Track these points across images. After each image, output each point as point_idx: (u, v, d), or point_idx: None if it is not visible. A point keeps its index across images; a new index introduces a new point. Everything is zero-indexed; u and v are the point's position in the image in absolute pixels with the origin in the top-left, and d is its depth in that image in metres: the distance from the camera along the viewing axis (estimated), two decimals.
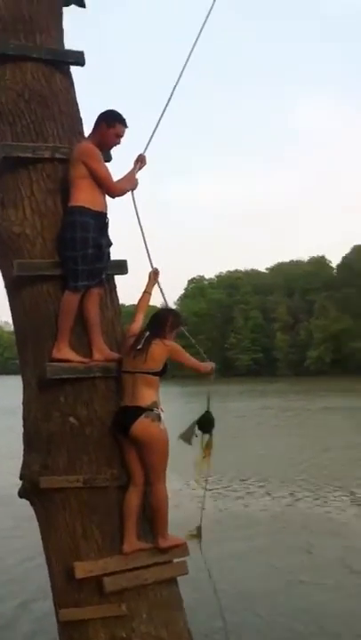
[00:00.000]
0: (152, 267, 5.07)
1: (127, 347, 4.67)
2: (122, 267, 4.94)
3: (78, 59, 4.99)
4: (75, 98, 5.03)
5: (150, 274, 5.08)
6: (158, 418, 4.56)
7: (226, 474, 15.05)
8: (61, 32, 5.08)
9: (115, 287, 4.98)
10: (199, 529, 5.00)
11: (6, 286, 4.80)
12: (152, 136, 4.99)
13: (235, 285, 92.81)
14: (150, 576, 4.54)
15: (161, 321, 4.74)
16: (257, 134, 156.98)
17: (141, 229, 5.00)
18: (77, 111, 5.04)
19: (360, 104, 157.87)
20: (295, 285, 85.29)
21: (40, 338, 4.59)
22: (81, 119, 5.04)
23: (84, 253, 4.50)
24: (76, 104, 5.04)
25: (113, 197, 4.74)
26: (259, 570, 9.09)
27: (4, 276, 4.81)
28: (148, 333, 4.65)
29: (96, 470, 4.50)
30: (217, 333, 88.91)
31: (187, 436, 4.91)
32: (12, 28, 4.76)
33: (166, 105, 5.01)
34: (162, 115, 5.00)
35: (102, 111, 4.77)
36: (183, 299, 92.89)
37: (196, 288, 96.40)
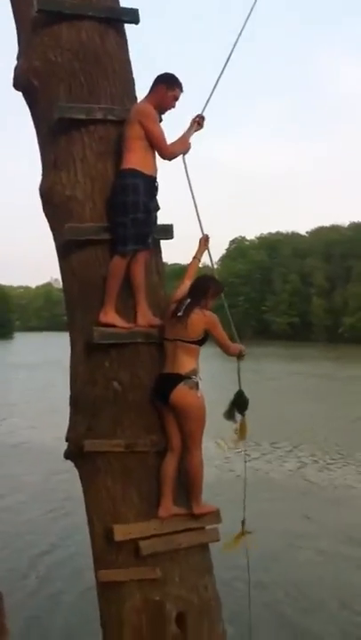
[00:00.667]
0: (202, 232, 5.02)
1: (169, 313, 4.66)
2: (168, 231, 4.90)
3: (133, 17, 4.87)
4: (128, 57, 4.95)
5: (201, 240, 5.02)
6: (196, 386, 4.57)
7: (255, 437, 15.14)
8: None
9: (160, 252, 4.95)
10: (243, 523, 5.01)
11: (57, 249, 4.80)
12: (210, 97, 4.87)
13: (275, 247, 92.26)
14: (184, 541, 4.60)
15: (202, 289, 4.70)
16: (301, 100, 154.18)
17: (192, 195, 4.93)
18: (130, 72, 4.96)
19: None
20: (334, 251, 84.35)
21: (88, 301, 4.59)
22: (133, 80, 4.97)
23: (134, 217, 4.48)
24: (130, 64, 4.95)
25: (165, 159, 4.70)
26: (258, 533, 9.34)
27: (55, 238, 4.81)
28: (188, 301, 4.62)
29: (137, 435, 4.54)
30: (256, 295, 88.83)
31: (229, 415, 4.91)
32: None
33: (224, 67, 4.86)
34: (220, 75, 4.87)
35: (161, 73, 4.72)
36: (224, 259, 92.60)
37: (238, 249, 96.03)
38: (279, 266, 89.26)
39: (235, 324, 5.10)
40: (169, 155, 4.68)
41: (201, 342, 4.64)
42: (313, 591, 7.67)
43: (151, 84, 4.72)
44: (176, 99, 4.74)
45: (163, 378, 4.58)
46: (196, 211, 4.95)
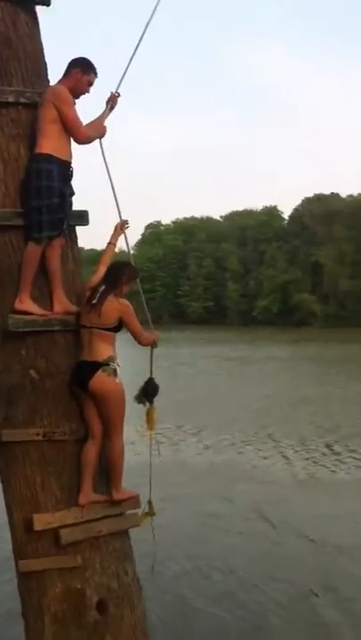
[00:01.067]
0: (120, 217, 4.98)
1: (85, 300, 4.62)
2: (83, 217, 4.86)
3: None
4: (40, 40, 4.84)
5: (117, 225, 4.98)
6: (114, 373, 4.56)
7: (163, 420, 15.33)
8: None
9: (76, 238, 4.90)
10: (150, 504, 5.02)
11: None
12: (123, 75, 4.83)
13: (190, 232, 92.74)
14: (104, 528, 4.61)
15: (116, 275, 4.66)
16: (211, 77, 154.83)
17: (110, 178, 4.89)
18: (42, 54, 4.85)
19: (329, 60, 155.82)
20: (247, 235, 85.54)
21: (2, 289, 4.51)
22: (46, 62, 4.87)
23: (48, 203, 4.41)
24: (42, 46, 4.85)
25: (80, 144, 4.64)
26: (181, 514, 9.65)
27: None
28: (103, 288, 4.59)
29: (55, 424, 4.51)
30: (171, 280, 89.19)
31: (139, 400, 4.90)
32: None
33: (137, 46, 4.83)
34: (132, 56, 4.82)
35: (75, 57, 4.66)
36: (140, 244, 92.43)
37: (153, 234, 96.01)
38: (194, 250, 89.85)
39: (153, 309, 5.09)
40: (84, 139, 4.63)
41: (116, 329, 4.63)
42: (218, 571, 7.91)
43: (65, 67, 4.64)
44: (91, 84, 4.69)
45: (81, 365, 4.55)
46: (114, 195, 4.91)
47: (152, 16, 4.86)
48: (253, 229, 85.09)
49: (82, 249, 5.08)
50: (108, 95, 4.85)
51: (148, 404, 4.92)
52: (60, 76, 4.67)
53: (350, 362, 33.27)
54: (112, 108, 4.83)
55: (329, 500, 10.66)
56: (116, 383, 4.56)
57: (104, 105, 4.84)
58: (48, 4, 4.81)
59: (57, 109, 4.45)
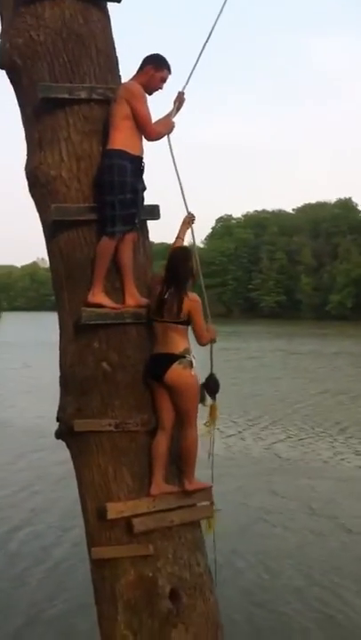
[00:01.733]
0: (187, 211, 5.01)
1: (154, 295, 4.65)
2: (154, 212, 4.90)
3: None
4: (111, 36, 4.91)
5: (185, 219, 5.01)
6: (190, 364, 4.59)
7: (223, 413, 15.35)
8: None
9: (147, 233, 4.95)
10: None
11: (43, 229, 4.79)
12: (190, 74, 4.87)
13: (262, 225, 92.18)
14: (176, 518, 4.64)
15: (183, 273, 4.63)
16: (281, 75, 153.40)
17: (177, 174, 4.93)
18: (114, 50, 4.92)
19: None
20: (320, 228, 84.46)
21: (76, 282, 4.60)
22: (117, 58, 4.95)
23: (121, 198, 4.47)
24: (113, 42, 4.92)
25: (150, 140, 4.70)
26: (238, 509, 9.85)
27: (41, 219, 4.78)
28: (172, 289, 4.57)
29: (127, 415, 4.57)
30: (243, 274, 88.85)
31: (200, 396, 4.82)
32: None
33: (205, 43, 4.85)
34: (200, 53, 4.85)
35: (149, 54, 4.72)
36: (210, 238, 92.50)
37: (224, 227, 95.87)
38: (266, 244, 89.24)
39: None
40: (155, 136, 4.68)
41: (188, 323, 4.65)
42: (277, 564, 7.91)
43: (139, 64, 4.71)
44: (164, 80, 4.74)
45: (156, 358, 4.60)
46: (181, 190, 4.95)
47: (218, 17, 4.87)
48: (327, 222, 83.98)
49: (152, 243, 5.13)
50: (177, 95, 4.89)
51: (210, 399, 4.91)
52: (135, 72, 4.72)
53: None
54: (179, 107, 4.89)
55: None
56: (192, 375, 4.59)
57: (172, 102, 4.88)
58: (119, 1, 4.86)
59: (130, 106, 4.50)
